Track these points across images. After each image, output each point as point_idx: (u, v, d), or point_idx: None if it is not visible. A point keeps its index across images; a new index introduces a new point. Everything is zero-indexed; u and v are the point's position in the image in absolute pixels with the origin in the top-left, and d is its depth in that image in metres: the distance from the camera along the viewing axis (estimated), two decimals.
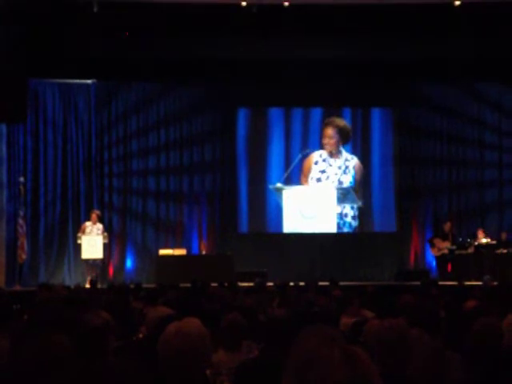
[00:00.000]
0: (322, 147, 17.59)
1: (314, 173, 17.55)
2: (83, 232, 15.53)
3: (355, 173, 17.57)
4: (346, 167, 17.56)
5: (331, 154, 17.55)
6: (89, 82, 17.19)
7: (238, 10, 14.05)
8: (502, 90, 17.98)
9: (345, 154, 17.61)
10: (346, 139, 17.64)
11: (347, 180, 17.54)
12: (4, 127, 15.89)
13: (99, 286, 14.45)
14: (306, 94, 17.16)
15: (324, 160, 17.57)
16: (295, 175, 17.55)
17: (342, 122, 17.64)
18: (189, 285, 11.27)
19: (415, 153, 17.90)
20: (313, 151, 17.55)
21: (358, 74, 16.67)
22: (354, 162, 17.60)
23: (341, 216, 17.46)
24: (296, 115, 17.88)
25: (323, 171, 17.54)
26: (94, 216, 15.78)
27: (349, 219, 17.51)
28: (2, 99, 14.29)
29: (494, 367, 3.44)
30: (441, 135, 17.99)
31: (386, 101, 17.89)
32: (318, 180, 17.54)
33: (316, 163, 17.59)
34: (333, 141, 17.56)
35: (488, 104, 18.04)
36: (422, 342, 3.83)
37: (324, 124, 17.62)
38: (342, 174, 17.53)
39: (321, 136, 17.60)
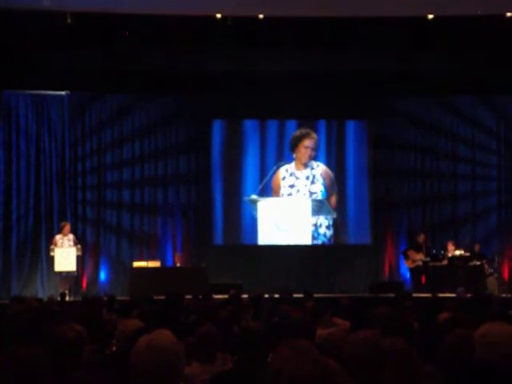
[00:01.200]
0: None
1: (284, 189, 17.58)
2: (55, 245, 15.40)
3: (324, 180, 17.62)
4: (313, 176, 17.61)
5: (300, 165, 17.57)
6: (62, 93, 17.11)
7: (213, 22, 14.06)
8: (476, 103, 18.14)
9: (310, 164, 17.65)
10: (316, 152, 17.75)
11: (318, 189, 17.57)
12: None
13: (73, 298, 14.36)
14: (281, 106, 17.20)
15: (291, 174, 17.60)
16: (270, 187, 17.57)
17: (315, 135, 17.72)
18: (163, 297, 11.21)
19: (389, 165, 17.99)
20: (287, 163, 17.58)
21: (332, 86, 16.75)
22: (320, 169, 17.65)
23: (315, 227, 17.48)
24: (271, 127, 17.90)
25: (292, 185, 17.57)
26: (66, 228, 15.65)
27: (323, 230, 17.53)
28: None
29: (466, 379, 3.45)
30: (415, 148, 18.10)
31: (361, 113, 17.97)
32: (289, 195, 17.56)
33: (283, 179, 17.61)
34: (313, 152, 17.63)
35: (462, 117, 18.18)
36: (395, 352, 3.83)
37: (302, 135, 17.63)
38: (310, 185, 17.57)
39: (295, 147, 17.63)
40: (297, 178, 17.58)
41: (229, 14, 14.03)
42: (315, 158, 17.69)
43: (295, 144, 17.66)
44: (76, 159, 17.38)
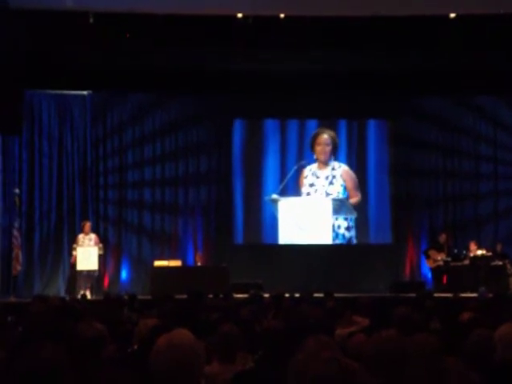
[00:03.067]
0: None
1: (305, 188, 17.56)
2: (77, 244, 15.52)
3: (344, 181, 17.56)
4: (333, 177, 17.56)
5: (321, 165, 17.53)
6: (84, 93, 17.20)
7: (234, 22, 14.09)
8: (498, 102, 18.04)
9: (332, 164, 17.62)
10: (335, 150, 17.67)
11: (335, 190, 17.50)
12: None
13: (94, 297, 14.44)
14: (301, 105, 17.20)
15: (313, 174, 17.58)
16: (291, 187, 17.54)
17: (332, 133, 17.67)
18: (184, 296, 11.24)
19: (411, 164, 17.92)
20: (308, 163, 17.56)
21: (353, 85, 16.71)
22: (341, 170, 17.59)
23: (333, 228, 17.43)
24: (292, 127, 17.90)
25: (312, 184, 17.55)
26: (86, 227, 15.77)
27: (342, 231, 17.48)
28: None
29: (488, 379, 3.44)
30: (436, 147, 18.02)
31: (382, 112, 17.92)
32: (308, 194, 17.54)
33: (306, 177, 17.59)
34: (329, 148, 17.58)
35: (483, 116, 18.09)
36: (422, 352, 3.83)
37: (317, 133, 17.62)
38: (328, 185, 17.52)
39: (312, 147, 17.61)
40: (317, 177, 17.55)
41: (250, 13, 14.05)
42: (336, 155, 17.63)
43: (311, 143, 17.64)
44: (98, 158, 17.48)
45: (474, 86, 16.94)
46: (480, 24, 14.14)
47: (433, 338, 3.95)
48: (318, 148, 17.59)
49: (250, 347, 5.39)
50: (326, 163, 17.57)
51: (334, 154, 17.66)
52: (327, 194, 17.51)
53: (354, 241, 17.58)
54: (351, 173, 17.63)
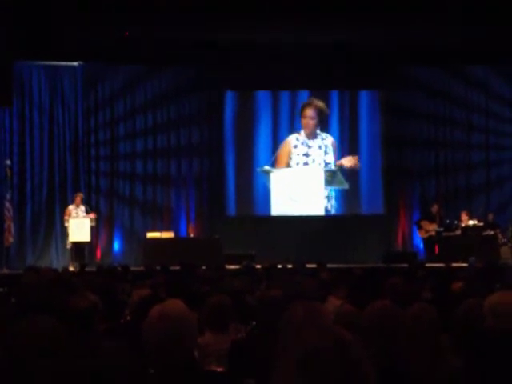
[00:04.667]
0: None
1: (298, 157, 17.51)
2: (69, 215, 15.51)
3: (333, 151, 17.59)
4: (326, 146, 17.57)
5: (309, 136, 17.53)
6: (75, 64, 17.09)
7: None
8: (490, 71, 18.01)
9: (320, 134, 17.61)
10: (324, 121, 17.64)
11: (330, 160, 17.54)
12: None
13: (87, 268, 14.45)
14: (293, 76, 17.13)
15: (302, 143, 17.55)
16: (276, 156, 17.56)
17: (321, 104, 17.61)
18: (176, 268, 11.27)
19: (403, 135, 17.93)
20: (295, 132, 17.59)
21: (344, 56, 16.66)
22: (329, 140, 17.61)
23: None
24: (283, 98, 17.86)
25: (306, 154, 17.52)
26: (78, 198, 15.76)
27: (332, 202, 17.55)
28: None
29: (477, 349, 3.46)
30: (428, 117, 18.03)
31: (374, 83, 17.87)
32: (305, 164, 17.52)
33: (295, 147, 17.55)
34: (313, 121, 17.55)
35: (475, 86, 18.07)
36: (419, 322, 3.85)
37: (304, 104, 17.59)
38: (324, 155, 17.54)
39: (300, 117, 17.58)
40: (309, 146, 17.53)
41: None
42: (321, 127, 17.60)
43: (300, 113, 17.61)
44: (89, 130, 17.42)
45: (465, 56, 16.92)
46: None
47: (430, 308, 3.97)
48: (303, 121, 17.59)
49: (242, 318, 5.42)
50: (311, 135, 17.54)
51: (322, 125, 17.62)
52: (326, 164, 17.50)
53: (333, 211, 17.58)
54: (335, 143, 17.62)
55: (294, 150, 17.54)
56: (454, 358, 3.68)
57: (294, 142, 17.54)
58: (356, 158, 17.60)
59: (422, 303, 4.18)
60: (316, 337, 1.88)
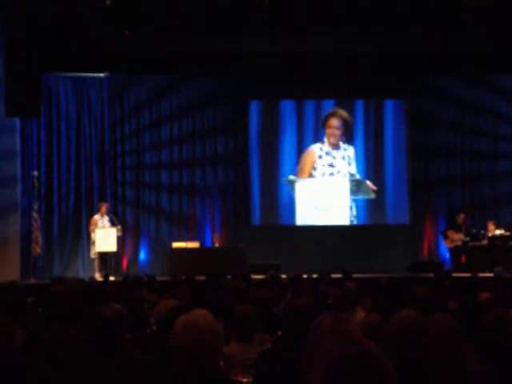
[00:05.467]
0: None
1: (324, 168, 17.47)
2: (95, 225, 15.62)
3: (354, 161, 17.56)
4: (349, 157, 17.54)
5: (333, 146, 17.50)
6: (101, 75, 17.21)
7: (250, 3, 14.02)
8: None
9: (342, 145, 17.58)
10: (348, 131, 17.60)
11: (353, 171, 17.52)
12: (17, 121, 15.93)
13: (113, 278, 14.53)
14: (318, 86, 17.13)
15: (327, 153, 17.52)
16: (298, 166, 17.57)
17: (345, 114, 17.58)
18: (202, 277, 11.29)
19: (428, 144, 17.84)
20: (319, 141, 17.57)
21: (370, 65, 16.59)
22: (350, 150, 17.56)
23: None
24: (308, 107, 17.86)
25: (331, 165, 17.49)
26: (103, 208, 15.89)
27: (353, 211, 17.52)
28: (16, 93, 14.34)
29: (504, 359, 3.44)
30: (454, 126, 17.92)
31: (399, 92, 17.83)
32: (331, 174, 17.48)
33: (320, 157, 17.52)
34: (338, 132, 17.52)
35: (502, 95, 17.96)
36: (439, 331, 3.84)
37: (328, 114, 17.56)
38: (348, 166, 17.51)
39: (323, 127, 17.56)
40: (333, 157, 17.51)
41: None
42: (346, 138, 17.57)
43: (323, 123, 17.58)
44: (115, 140, 17.54)
45: (492, 65, 16.78)
46: (499, 3, 13.99)
47: (450, 318, 3.96)
48: (328, 131, 17.53)
49: (268, 328, 5.42)
50: (336, 146, 17.52)
51: (346, 135, 17.59)
52: (350, 175, 17.47)
53: (355, 221, 17.53)
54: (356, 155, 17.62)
55: (318, 161, 17.51)
56: (479, 367, 3.67)
57: (319, 151, 17.52)
58: (375, 188, 17.49)
59: (442, 313, 4.16)
60: (342, 347, 1.89)
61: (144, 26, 14.81)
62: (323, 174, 17.49)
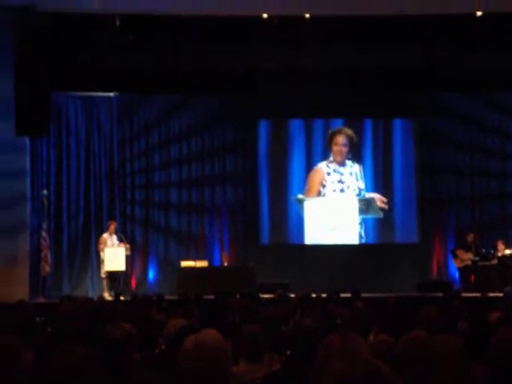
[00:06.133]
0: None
1: (334, 184, 17.47)
2: (104, 244, 15.65)
3: (361, 177, 17.56)
4: (356, 174, 17.54)
5: (339, 163, 17.51)
6: (111, 94, 17.31)
7: (259, 22, 14.11)
8: None
9: (347, 162, 17.60)
10: (354, 150, 17.61)
11: (362, 186, 17.51)
12: (27, 140, 16.00)
13: (122, 297, 14.51)
14: (326, 105, 17.18)
15: (335, 170, 17.52)
16: (306, 185, 17.58)
17: (351, 132, 17.60)
18: (211, 296, 11.28)
19: (437, 163, 17.83)
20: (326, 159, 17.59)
21: (378, 84, 16.65)
22: (356, 167, 17.57)
23: None
24: (317, 126, 17.88)
25: (340, 181, 17.49)
26: (111, 227, 15.93)
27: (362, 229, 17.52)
28: (26, 112, 14.41)
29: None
30: (463, 145, 17.90)
31: (408, 111, 17.84)
32: (342, 190, 17.48)
33: (328, 174, 17.52)
34: (345, 149, 17.54)
35: (510, 114, 17.94)
36: (447, 353, 3.82)
37: (334, 132, 17.57)
38: (356, 181, 17.51)
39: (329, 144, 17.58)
40: (341, 173, 17.51)
41: (275, 13, 14.06)
42: (353, 155, 17.58)
43: (328, 141, 17.59)
44: (124, 159, 17.60)
45: (501, 84, 16.79)
46: (507, 22, 14.03)
47: (456, 338, 3.94)
48: (335, 148, 17.55)
49: (277, 348, 5.40)
50: (342, 163, 17.53)
51: (353, 152, 17.61)
52: (360, 190, 17.46)
53: (364, 240, 17.49)
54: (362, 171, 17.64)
55: (327, 178, 17.51)
56: None
57: (326, 169, 17.53)
58: (385, 200, 17.49)
59: (448, 333, 4.14)
60: (351, 367, 1.88)
61: (153, 45, 14.89)
62: (334, 191, 17.48)
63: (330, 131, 17.64)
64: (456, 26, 14.23)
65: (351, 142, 17.57)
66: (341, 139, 17.54)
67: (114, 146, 17.47)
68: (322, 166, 17.54)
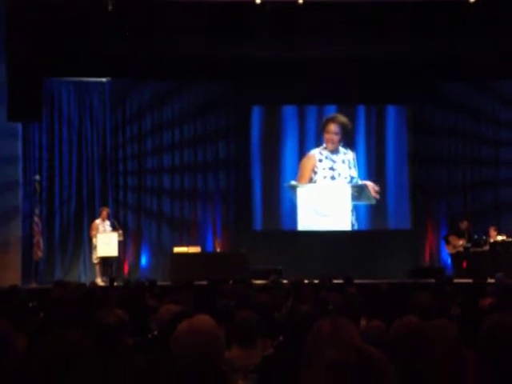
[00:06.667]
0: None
1: (325, 171, 17.49)
2: (96, 230, 15.62)
3: (354, 165, 17.58)
4: (348, 161, 17.55)
5: (332, 151, 17.52)
6: (103, 80, 17.24)
7: (252, 8, 14.03)
8: None
9: (342, 149, 17.60)
10: (347, 136, 17.62)
11: (354, 174, 17.53)
12: (19, 126, 15.95)
13: (114, 283, 14.51)
14: (320, 91, 17.15)
15: (327, 157, 17.53)
16: (298, 171, 17.59)
17: (344, 119, 17.60)
18: (203, 282, 11.28)
19: (430, 150, 17.85)
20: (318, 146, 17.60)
21: (372, 71, 16.59)
22: (350, 155, 17.59)
23: None
24: (310, 113, 17.87)
25: (332, 168, 17.50)
26: (104, 213, 15.91)
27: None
28: (18, 98, 14.36)
29: (505, 365, 3.42)
30: (456, 133, 17.93)
31: (401, 98, 17.84)
32: (332, 178, 17.50)
33: (320, 161, 17.53)
34: (337, 137, 17.55)
35: (503, 102, 17.95)
36: (439, 337, 3.84)
37: (327, 120, 17.59)
38: (348, 169, 17.53)
39: (322, 131, 17.58)
40: (333, 161, 17.53)
41: None
42: (346, 143, 17.59)
43: (322, 128, 17.61)
44: (117, 145, 17.56)
45: (493, 72, 16.77)
46: (500, 9, 14.00)
47: (451, 323, 3.95)
48: (327, 136, 17.59)
49: (270, 333, 5.41)
50: (335, 150, 17.53)
51: (346, 140, 17.61)
52: (351, 178, 17.48)
53: (356, 226, 17.53)
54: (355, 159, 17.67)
55: (319, 164, 17.53)
56: (479, 373, 3.66)
57: (319, 156, 17.54)
58: (377, 189, 17.50)
59: (442, 318, 4.16)
60: (341, 351, 1.88)
61: (146, 31, 14.81)
62: (324, 178, 17.50)
63: (324, 118, 17.64)
64: (450, 12, 14.20)
65: (345, 130, 17.58)
66: (332, 127, 17.55)
67: (107, 131, 17.43)
68: (315, 153, 17.55)
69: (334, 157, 17.52)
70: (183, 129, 17.84)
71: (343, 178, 17.50)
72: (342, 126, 17.56)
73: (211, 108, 17.74)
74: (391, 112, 17.96)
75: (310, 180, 17.52)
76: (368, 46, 15.78)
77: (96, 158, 17.32)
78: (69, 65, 16.00)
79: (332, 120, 17.57)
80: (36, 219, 15.78)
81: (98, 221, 15.86)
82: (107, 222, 15.88)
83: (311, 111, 17.88)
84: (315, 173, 17.51)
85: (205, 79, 17.28)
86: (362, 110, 17.89)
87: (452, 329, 3.89)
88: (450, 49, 15.85)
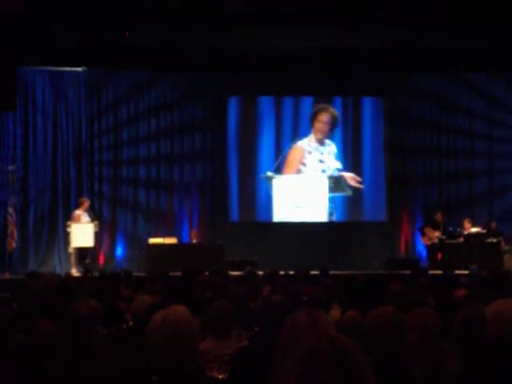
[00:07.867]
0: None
1: (315, 164, 17.48)
2: (77, 220, 15.48)
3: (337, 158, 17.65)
4: (334, 153, 17.60)
5: (319, 142, 17.54)
6: (79, 69, 17.12)
7: None
8: (492, 79, 17.99)
9: (326, 141, 17.64)
10: (334, 129, 17.66)
11: (340, 166, 17.57)
12: None
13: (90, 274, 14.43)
14: (296, 82, 17.15)
15: (315, 149, 17.55)
16: (284, 162, 17.55)
17: (335, 112, 17.65)
18: (179, 273, 11.25)
19: (406, 142, 17.93)
20: (302, 138, 17.58)
21: (348, 62, 16.64)
22: (333, 146, 17.64)
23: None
24: (287, 104, 17.86)
25: (321, 160, 17.52)
26: (85, 204, 15.78)
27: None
28: None
29: (479, 356, 3.45)
30: (431, 125, 18.02)
31: (377, 90, 17.88)
32: (323, 171, 17.50)
33: (310, 153, 17.54)
34: (327, 127, 17.58)
35: (478, 94, 18.06)
36: (421, 325, 3.86)
37: (319, 109, 17.59)
38: (335, 161, 17.56)
39: (312, 122, 17.59)
40: (321, 153, 17.56)
41: None
42: (332, 134, 17.63)
43: (312, 118, 17.61)
44: (92, 135, 17.44)
45: (469, 64, 16.89)
46: (476, 1, 14.07)
47: (432, 312, 3.97)
48: (317, 125, 17.58)
49: (245, 324, 5.41)
50: (322, 141, 17.56)
51: (331, 132, 17.66)
52: (339, 170, 17.51)
53: (332, 218, 17.57)
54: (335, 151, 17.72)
55: (308, 156, 17.52)
56: (456, 363, 3.68)
57: (307, 147, 17.54)
58: (359, 179, 17.54)
59: (423, 308, 4.18)
60: (317, 343, 1.87)
61: (122, 20, 14.72)
62: (315, 171, 17.50)
63: (315, 108, 17.65)
64: (425, 4, 14.25)
65: (334, 121, 17.62)
66: (324, 117, 17.58)
67: (82, 121, 17.29)
68: (303, 144, 17.54)
69: (322, 148, 17.54)
70: (159, 119, 17.75)
71: (332, 171, 17.52)
72: (333, 118, 17.61)
73: (188, 98, 17.67)
74: (367, 103, 17.99)
75: (298, 172, 17.53)
76: (345, 37, 15.83)
77: (71, 148, 17.19)
78: (44, 54, 15.89)
79: (324, 110, 17.59)
80: (10, 209, 15.65)
81: (78, 211, 15.69)
82: (87, 213, 15.73)
83: (288, 103, 17.87)
84: (304, 165, 17.51)
85: (181, 69, 17.22)
86: (338, 101, 17.92)
87: (434, 316, 3.91)
88: (426, 40, 15.94)
